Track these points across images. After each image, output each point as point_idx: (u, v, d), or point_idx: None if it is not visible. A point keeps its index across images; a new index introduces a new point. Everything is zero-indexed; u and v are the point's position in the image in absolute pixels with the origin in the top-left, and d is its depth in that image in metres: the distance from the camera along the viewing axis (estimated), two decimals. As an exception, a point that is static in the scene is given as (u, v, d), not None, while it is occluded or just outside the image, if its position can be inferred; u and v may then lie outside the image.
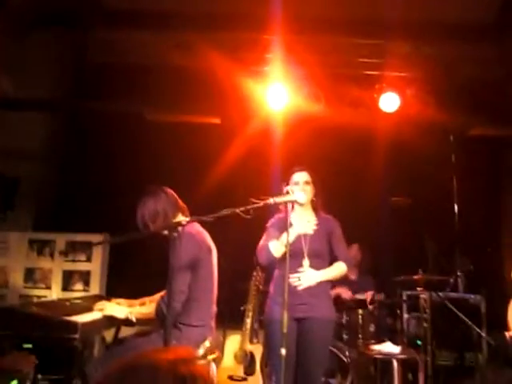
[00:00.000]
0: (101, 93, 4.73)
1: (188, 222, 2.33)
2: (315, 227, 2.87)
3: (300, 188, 2.83)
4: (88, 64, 5.00)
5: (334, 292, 3.96)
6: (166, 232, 2.42)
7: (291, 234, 2.75)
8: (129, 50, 4.92)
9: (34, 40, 4.66)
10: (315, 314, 2.76)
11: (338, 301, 3.86)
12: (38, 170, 4.79)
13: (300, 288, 2.75)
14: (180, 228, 2.24)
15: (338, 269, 2.87)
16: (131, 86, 4.64)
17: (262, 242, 2.90)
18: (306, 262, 2.79)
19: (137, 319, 2.62)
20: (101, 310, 2.64)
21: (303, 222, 2.85)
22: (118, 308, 2.67)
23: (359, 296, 3.96)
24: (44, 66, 4.69)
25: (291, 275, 2.73)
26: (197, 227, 2.69)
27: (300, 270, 2.78)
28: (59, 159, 5.07)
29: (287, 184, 2.85)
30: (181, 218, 2.66)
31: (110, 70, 4.85)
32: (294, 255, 2.70)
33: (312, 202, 2.92)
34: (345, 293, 4.03)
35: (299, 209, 2.91)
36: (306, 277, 2.77)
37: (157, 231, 2.54)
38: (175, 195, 2.74)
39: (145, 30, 4.84)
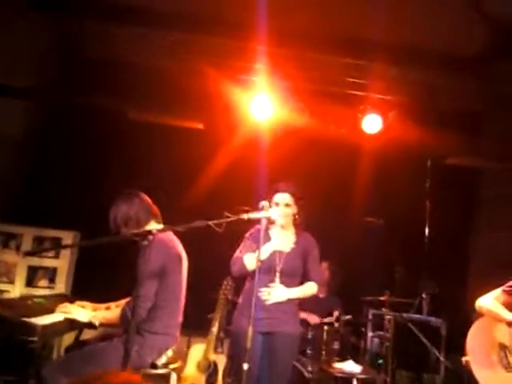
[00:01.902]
0: (84, 86, 4.64)
1: (159, 231, 2.32)
2: (293, 245, 2.88)
3: (280, 210, 2.83)
4: (75, 56, 4.91)
5: (301, 316, 3.99)
6: (136, 238, 2.41)
7: (268, 250, 2.77)
8: (117, 47, 4.85)
9: (20, 26, 4.55)
10: (281, 329, 2.78)
11: (304, 324, 3.89)
12: (9, 159, 4.66)
13: (268, 303, 2.76)
14: (151, 236, 2.23)
15: (309, 289, 2.90)
16: (116, 82, 4.58)
17: (237, 253, 2.90)
18: (277, 278, 2.80)
19: (100, 324, 2.58)
20: (64, 312, 2.60)
21: (282, 238, 2.86)
22: (82, 311, 2.63)
23: (326, 320, 3.97)
24: (29, 53, 4.58)
25: (261, 289, 2.74)
26: (168, 234, 2.67)
27: (271, 285, 2.78)
28: (34, 150, 4.96)
29: (268, 200, 2.85)
30: (153, 225, 2.65)
31: (96, 64, 4.78)
32: (266, 271, 2.72)
33: (293, 220, 2.91)
34: (312, 318, 4.06)
35: (279, 226, 2.91)
36: (276, 292, 2.78)
37: (128, 238, 2.52)
38: (149, 201, 2.73)
39: (135, 27, 4.79)
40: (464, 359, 2.97)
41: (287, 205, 2.87)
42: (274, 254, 2.81)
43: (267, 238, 2.83)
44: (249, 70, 4.83)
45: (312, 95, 4.84)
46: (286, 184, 2.93)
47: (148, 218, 2.65)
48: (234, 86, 4.75)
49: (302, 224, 2.98)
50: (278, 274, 2.80)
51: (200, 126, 4.84)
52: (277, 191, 2.90)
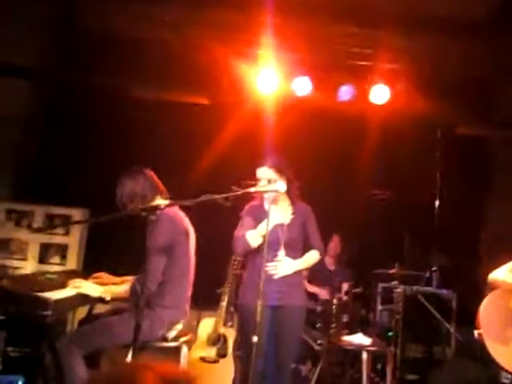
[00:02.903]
0: (87, 64, 4.59)
1: (167, 206, 2.32)
2: (291, 216, 2.86)
3: (262, 183, 2.78)
4: (75, 33, 4.85)
5: (312, 290, 4.00)
6: (144, 214, 2.42)
7: (268, 224, 2.74)
8: (118, 23, 4.78)
9: (20, 3, 4.49)
10: (289, 302, 2.79)
11: (314, 298, 3.90)
12: (18, 139, 4.67)
13: (276, 277, 2.76)
14: (158, 211, 2.23)
15: (313, 258, 2.90)
16: (118, 59, 4.52)
17: (237, 231, 2.88)
18: (281, 251, 2.79)
19: (111, 298, 2.63)
20: (76, 287, 2.64)
21: (279, 211, 2.84)
22: (93, 287, 2.67)
23: (336, 298, 3.96)
24: (29, 32, 4.53)
25: (268, 264, 2.74)
26: (175, 210, 2.68)
27: (276, 259, 2.78)
28: (41, 129, 4.95)
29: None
30: (159, 201, 2.66)
31: (98, 42, 4.71)
32: (270, 245, 2.71)
33: (287, 191, 2.86)
34: (323, 294, 4.06)
35: (273, 199, 2.85)
36: (283, 266, 2.78)
37: (135, 213, 2.53)
38: (154, 177, 2.73)
39: (137, 2, 4.71)
40: (477, 332, 2.96)
41: (269, 180, 2.81)
42: (275, 227, 2.79)
43: (264, 213, 2.80)
44: (254, 43, 4.74)
45: (318, 67, 4.75)
46: (266, 158, 2.86)
47: (154, 193, 2.66)
48: (239, 60, 4.67)
49: (298, 195, 2.92)
50: (282, 247, 2.79)
51: (205, 101, 4.77)
52: (257, 167, 2.85)
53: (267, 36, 4.65)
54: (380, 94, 4.67)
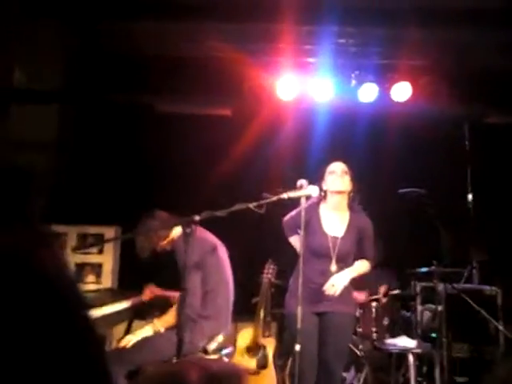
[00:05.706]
0: (111, 83, 4.66)
1: (202, 218, 2.29)
2: (346, 229, 2.77)
3: (337, 176, 2.74)
4: (98, 53, 4.95)
5: None
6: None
7: (320, 235, 2.70)
8: (139, 41, 4.87)
9: (44, 28, 4.59)
10: (337, 308, 2.73)
11: None
12: (50, 162, 4.76)
13: (336, 294, 2.66)
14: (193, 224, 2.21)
15: (363, 267, 2.83)
16: (141, 77, 4.59)
17: (288, 216, 2.84)
18: (333, 265, 2.71)
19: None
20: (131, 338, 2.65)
21: (335, 222, 2.77)
22: (145, 329, 2.69)
23: (373, 297, 3.86)
24: (56, 56, 4.64)
25: (320, 280, 2.67)
26: (198, 228, 2.67)
27: (330, 275, 2.69)
28: (71, 151, 5.03)
29: (321, 176, 2.77)
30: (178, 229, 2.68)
31: (118, 60, 4.80)
32: (321, 255, 2.66)
33: (349, 196, 2.80)
34: (360, 296, 3.96)
35: (335, 201, 2.79)
36: (339, 282, 2.67)
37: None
38: (164, 216, 2.74)
39: (154, 19, 4.78)
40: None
41: (345, 172, 2.77)
42: (326, 239, 2.73)
43: (317, 217, 2.74)
44: (274, 51, 4.75)
45: (336, 68, 4.72)
46: (340, 157, 2.85)
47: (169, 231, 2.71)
48: (259, 69, 4.68)
49: (360, 206, 2.85)
50: (334, 261, 2.70)
51: (227, 112, 4.78)
52: (331, 161, 2.81)
53: (285, 43, 4.67)
54: (402, 92, 4.59)
